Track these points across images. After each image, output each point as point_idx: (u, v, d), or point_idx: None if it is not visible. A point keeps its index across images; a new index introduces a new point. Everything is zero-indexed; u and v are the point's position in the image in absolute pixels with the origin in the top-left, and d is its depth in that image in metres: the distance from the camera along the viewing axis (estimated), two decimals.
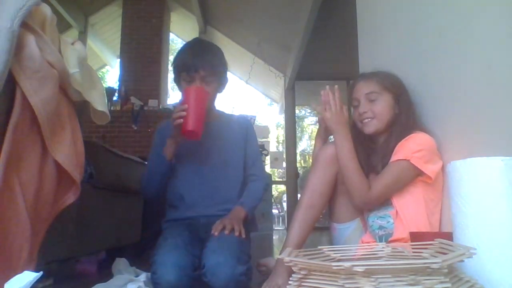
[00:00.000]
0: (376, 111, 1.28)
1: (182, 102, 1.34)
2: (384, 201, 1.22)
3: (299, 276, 0.78)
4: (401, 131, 1.24)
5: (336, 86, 1.32)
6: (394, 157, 1.19)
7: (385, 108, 1.28)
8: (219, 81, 1.51)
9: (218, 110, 1.62)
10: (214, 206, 1.44)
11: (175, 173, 1.51)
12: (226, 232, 1.25)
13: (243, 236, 1.28)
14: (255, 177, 1.56)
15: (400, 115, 1.28)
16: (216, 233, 1.25)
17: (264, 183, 1.57)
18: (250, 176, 1.56)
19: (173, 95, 8.10)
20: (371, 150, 1.34)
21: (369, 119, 1.29)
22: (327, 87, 1.32)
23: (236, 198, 1.48)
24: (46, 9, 0.97)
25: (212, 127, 1.53)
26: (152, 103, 5.25)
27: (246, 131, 1.60)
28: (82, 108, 1.14)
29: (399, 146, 1.20)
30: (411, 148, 1.16)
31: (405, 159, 1.16)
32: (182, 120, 1.31)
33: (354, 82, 1.41)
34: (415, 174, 1.18)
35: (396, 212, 1.19)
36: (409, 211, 1.18)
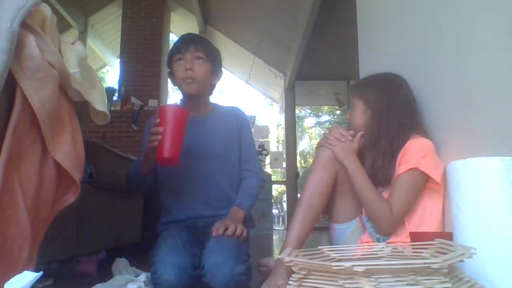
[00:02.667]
0: (350, 119, 1.34)
1: (158, 124, 1.23)
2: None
3: (299, 276, 0.78)
4: (376, 136, 1.24)
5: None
6: (400, 168, 1.17)
7: (356, 115, 1.31)
8: (212, 65, 1.47)
9: (212, 103, 1.58)
10: (210, 204, 1.42)
11: (168, 173, 1.46)
12: (229, 233, 1.23)
13: (244, 236, 1.27)
14: (250, 172, 1.51)
15: (371, 119, 1.27)
16: (214, 233, 1.24)
17: (260, 179, 1.53)
18: (245, 171, 1.51)
19: (173, 95, 8.11)
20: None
21: (350, 126, 1.34)
22: (334, 126, 1.34)
23: (232, 194, 1.45)
24: (46, 9, 0.97)
25: (205, 121, 1.50)
26: (152, 103, 5.25)
27: (240, 123, 1.54)
28: (82, 108, 1.14)
29: (402, 155, 1.19)
30: (416, 156, 1.15)
31: (413, 168, 1.14)
32: (156, 143, 1.22)
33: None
34: (425, 182, 1.17)
35: None
36: (408, 215, 1.18)
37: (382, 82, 1.32)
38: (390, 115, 1.24)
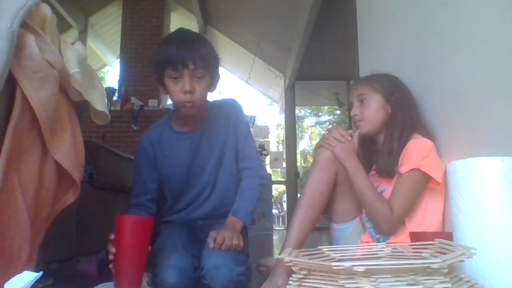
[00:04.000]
0: (365, 113, 1.31)
1: (114, 243, 1.04)
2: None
3: (299, 276, 0.78)
4: (400, 131, 1.24)
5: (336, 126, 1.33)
6: (402, 169, 1.17)
7: (374, 109, 1.30)
8: (211, 77, 1.31)
9: (206, 102, 1.42)
10: (208, 213, 1.40)
11: (168, 181, 1.41)
12: (224, 248, 1.16)
13: (240, 247, 1.21)
14: (248, 171, 1.40)
15: (393, 114, 1.28)
16: (211, 245, 1.17)
17: (259, 176, 1.41)
18: (242, 171, 1.41)
19: None
20: (373, 151, 1.35)
21: (359, 121, 1.32)
22: (334, 126, 1.34)
23: (233, 196, 1.39)
24: (46, 9, 0.96)
25: (202, 136, 1.40)
26: (152, 103, 5.25)
27: (236, 119, 1.42)
28: (82, 108, 1.13)
29: (404, 156, 1.19)
30: (417, 156, 1.15)
31: (415, 169, 1.14)
32: (111, 266, 1.06)
33: (351, 85, 1.43)
34: (426, 182, 1.17)
35: None
36: (408, 215, 1.18)
37: (395, 79, 1.34)
38: (405, 112, 1.26)
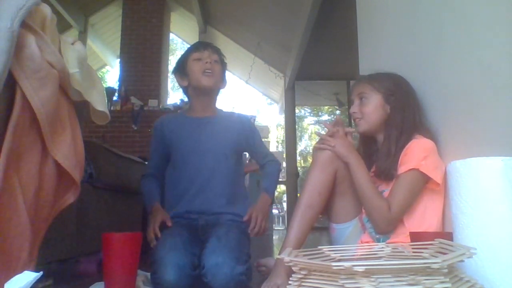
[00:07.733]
0: (364, 112, 1.31)
1: (102, 260, 1.09)
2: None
3: (299, 276, 0.78)
4: (399, 133, 1.23)
5: (337, 115, 1.34)
6: (401, 168, 1.17)
7: (372, 108, 1.30)
8: (222, 70, 1.59)
9: (217, 108, 1.65)
10: (208, 200, 1.45)
11: (172, 169, 1.54)
12: (254, 235, 1.40)
13: (266, 232, 1.36)
14: (271, 162, 1.62)
15: (392, 115, 1.27)
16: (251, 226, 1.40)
17: (279, 164, 1.65)
18: (267, 162, 1.62)
19: (173, 95, 8.10)
20: (374, 150, 1.35)
21: (358, 119, 1.33)
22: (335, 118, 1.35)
23: (231, 193, 1.50)
24: (46, 9, 0.96)
25: (210, 122, 1.56)
26: (152, 103, 5.25)
27: (249, 129, 1.62)
28: (82, 108, 1.13)
29: (404, 155, 1.19)
30: (417, 156, 1.15)
31: (414, 169, 1.14)
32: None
33: (353, 84, 1.43)
34: (425, 182, 1.17)
35: None
36: (408, 214, 1.18)
37: (399, 80, 1.33)
38: (405, 114, 1.25)
